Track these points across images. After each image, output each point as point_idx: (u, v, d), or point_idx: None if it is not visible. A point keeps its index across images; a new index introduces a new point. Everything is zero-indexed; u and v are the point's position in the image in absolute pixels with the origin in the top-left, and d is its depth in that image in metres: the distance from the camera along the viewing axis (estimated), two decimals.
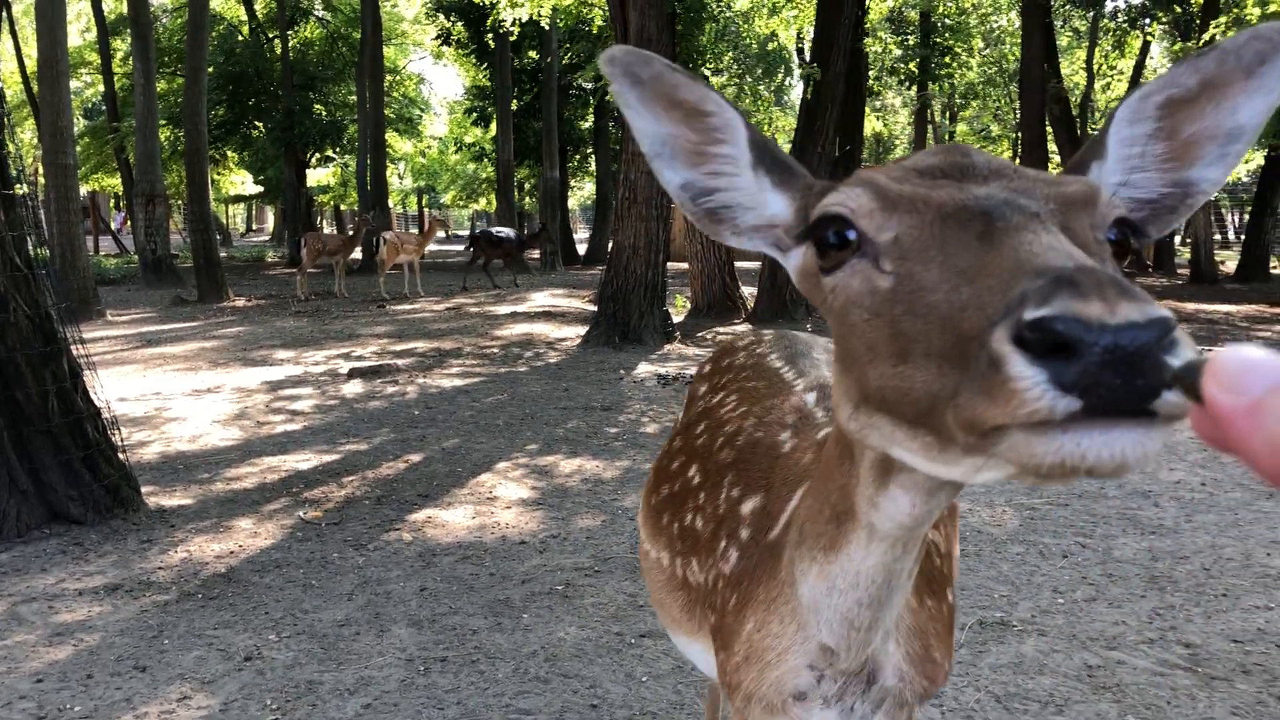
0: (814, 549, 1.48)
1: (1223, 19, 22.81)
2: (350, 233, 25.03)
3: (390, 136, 37.54)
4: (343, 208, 52.45)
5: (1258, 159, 24.67)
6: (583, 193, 55.85)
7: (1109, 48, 31.11)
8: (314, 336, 14.71)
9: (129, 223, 36.34)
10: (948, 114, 40.30)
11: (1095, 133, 1.26)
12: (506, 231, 24.50)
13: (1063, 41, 32.57)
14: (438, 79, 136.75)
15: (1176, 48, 29.41)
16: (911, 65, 25.82)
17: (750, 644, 1.64)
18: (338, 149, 37.23)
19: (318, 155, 37.24)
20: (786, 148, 17.22)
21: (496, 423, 8.51)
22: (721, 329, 15.08)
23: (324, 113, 35.99)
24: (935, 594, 1.74)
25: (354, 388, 10.36)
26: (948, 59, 26.48)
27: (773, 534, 1.68)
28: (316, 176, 43.88)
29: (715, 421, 2.22)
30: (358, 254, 26.31)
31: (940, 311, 0.89)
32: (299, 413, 9.07)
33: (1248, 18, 22.69)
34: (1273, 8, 22.25)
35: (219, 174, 40.69)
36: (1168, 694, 3.71)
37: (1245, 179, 31.23)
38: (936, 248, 0.96)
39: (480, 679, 3.90)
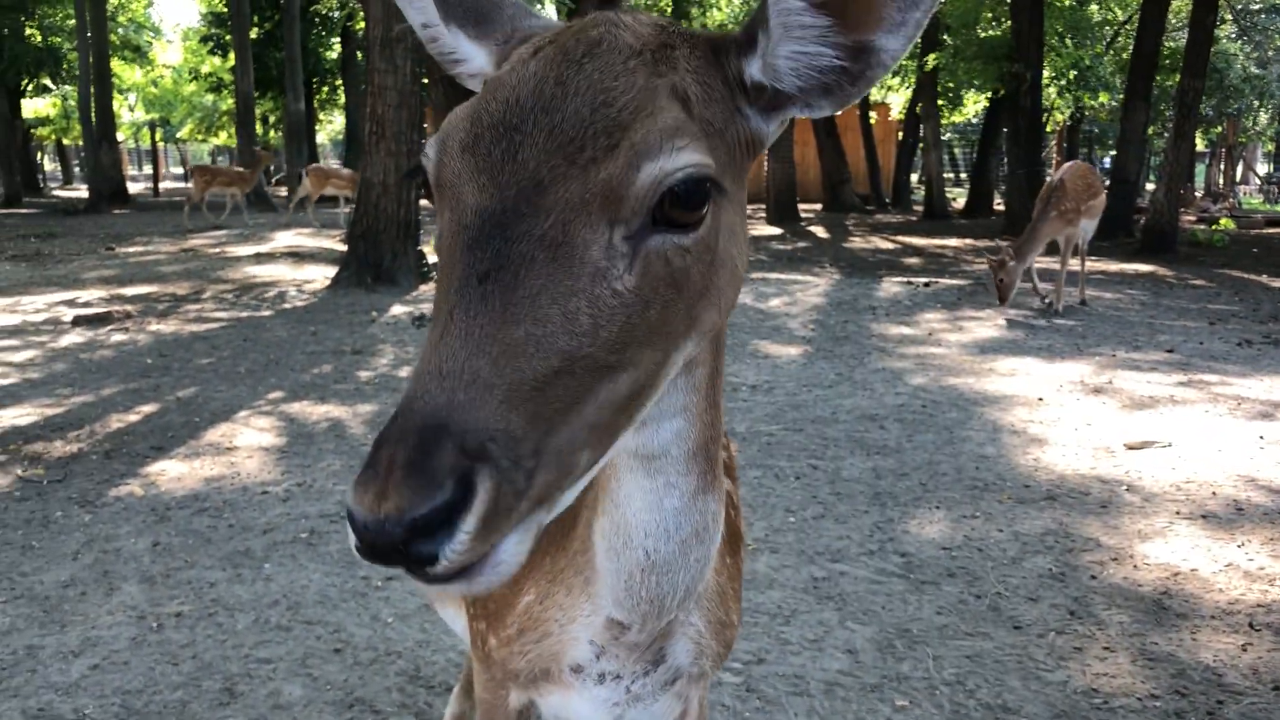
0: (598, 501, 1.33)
1: None
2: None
3: (116, 65, 34.80)
4: (66, 141, 48.51)
5: (983, 101, 26.16)
6: (332, 126, 53.49)
7: None
8: (32, 281, 13.55)
9: None
10: None
11: None
12: None
13: None
14: (170, 3, 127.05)
15: None
16: None
17: (530, 615, 1.50)
18: (58, 78, 34.19)
19: (33, 84, 34.07)
20: None
21: (237, 370, 8.15)
22: None
23: (38, 37, 32.86)
24: (733, 551, 1.62)
25: (78, 336, 9.63)
26: None
27: None
28: (34, 108, 40.27)
29: None
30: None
31: None
32: (15, 364, 8.36)
33: None
34: None
35: None
36: (883, 599, 4.04)
37: (975, 120, 32.99)
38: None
39: (218, 631, 3.78)
